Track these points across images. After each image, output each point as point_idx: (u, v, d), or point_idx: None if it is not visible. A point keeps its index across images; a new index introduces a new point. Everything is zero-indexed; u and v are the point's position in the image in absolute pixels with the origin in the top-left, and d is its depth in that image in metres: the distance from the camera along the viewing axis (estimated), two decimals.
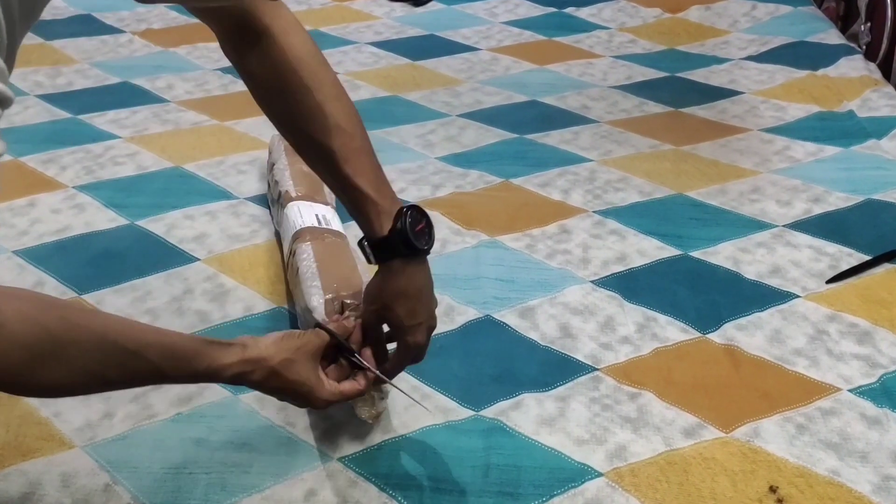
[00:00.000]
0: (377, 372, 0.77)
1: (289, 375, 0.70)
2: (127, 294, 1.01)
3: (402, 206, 0.76)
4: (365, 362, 0.77)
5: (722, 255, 1.12)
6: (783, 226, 1.19)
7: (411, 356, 0.79)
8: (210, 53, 1.81)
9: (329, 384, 0.73)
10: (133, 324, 0.66)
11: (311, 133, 0.75)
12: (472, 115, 1.55)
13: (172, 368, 0.65)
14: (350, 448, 0.80)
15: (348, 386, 0.74)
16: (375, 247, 0.76)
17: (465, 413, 0.85)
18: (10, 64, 0.54)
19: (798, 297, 1.03)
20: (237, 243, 1.12)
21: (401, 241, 0.75)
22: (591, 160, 1.39)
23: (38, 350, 0.58)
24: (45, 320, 0.59)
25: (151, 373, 0.64)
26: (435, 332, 0.95)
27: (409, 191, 1.27)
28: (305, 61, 0.75)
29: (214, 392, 0.86)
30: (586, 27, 2.04)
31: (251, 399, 0.86)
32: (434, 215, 1.19)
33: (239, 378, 0.68)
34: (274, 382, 0.70)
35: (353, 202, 0.76)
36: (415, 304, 0.77)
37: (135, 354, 0.62)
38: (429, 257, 1.09)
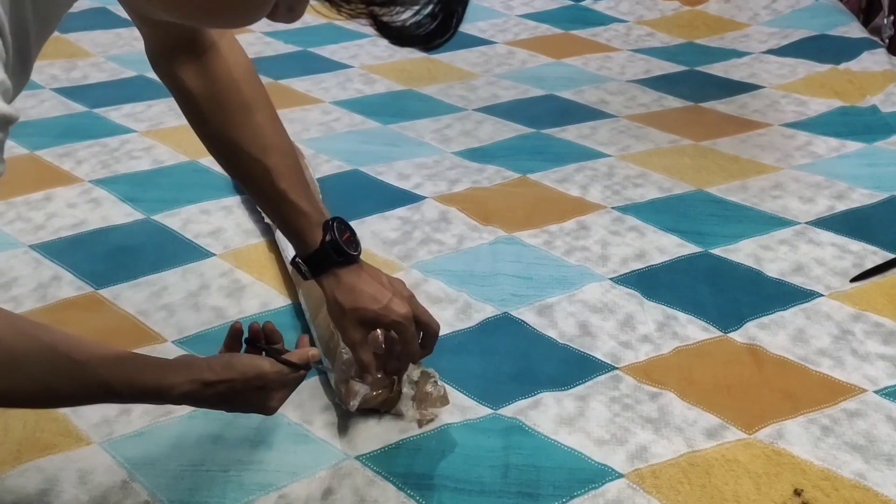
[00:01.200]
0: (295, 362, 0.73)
1: (235, 396, 0.69)
2: (143, 289, 1.01)
3: (328, 218, 0.78)
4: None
5: (743, 252, 1.11)
6: (806, 223, 1.17)
7: (410, 335, 0.78)
8: None
9: (276, 394, 0.72)
10: (84, 339, 0.65)
11: (248, 150, 0.75)
12: (488, 110, 1.53)
13: (120, 383, 0.63)
14: (367, 446, 0.79)
15: (294, 355, 0.72)
16: (310, 260, 0.78)
17: (483, 411, 0.84)
18: (25, 79, 0.53)
19: (822, 295, 1.02)
20: (253, 238, 1.12)
21: (333, 250, 0.77)
22: (609, 155, 1.37)
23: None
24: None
25: (101, 386, 0.63)
26: (452, 329, 0.96)
27: (425, 186, 1.26)
28: (247, 80, 0.76)
29: None
30: (603, 20, 2.02)
31: None
32: (451, 211, 1.20)
33: (186, 396, 0.67)
34: (222, 403, 0.69)
35: (286, 217, 0.78)
36: (372, 289, 0.77)
37: (84, 366, 0.62)
38: (447, 253, 1.10)
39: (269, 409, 0.72)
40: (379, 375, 0.79)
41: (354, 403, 0.79)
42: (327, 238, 0.77)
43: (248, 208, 1.18)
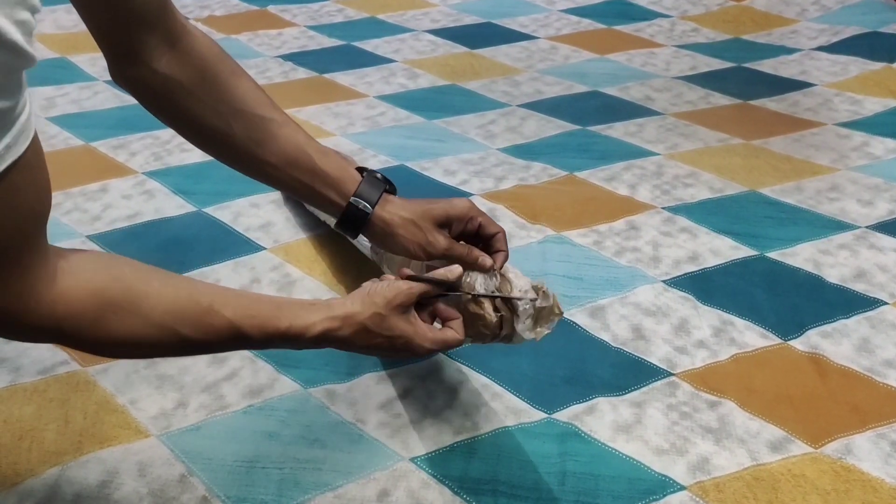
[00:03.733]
0: (498, 295, 0.71)
1: (381, 331, 0.64)
2: None
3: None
4: (478, 290, 0.70)
5: (801, 256, 1.08)
6: (866, 227, 1.14)
7: (485, 217, 0.76)
8: (271, 41, 1.81)
9: (430, 330, 0.67)
10: (207, 283, 0.63)
11: (254, 109, 0.71)
12: (532, 106, 1.51)
13: (252, 326, 0.60)
14: (421, 448, 0.78)
15: (450, 334, 0.68)
16: (363, 193, 0.73)
17: (537, 415, 0.83)
18: None
19: (886, 303, 0.99)
20: (302, 233, 1.11)
21: (380, 178, 0.74)
22: (657, 154, 1.34)
23: (110, 297, 0.55)
24: (117, 269, 0.57)
25: (229, 330, 0.59)
26: None
27: (471, 182, 1.25)
28: (223, 51, 0.72)
29: (285, 385, 0.85)
30: (647, 15, 1.99)
31: (321, 394, 0.85)
32: (498, 208, 1.19)
33: (325, 336, 0.62)
34: (365, 338, 0.64)
35: (318, 164, 0.72)
36: (425, 199, 0.74)
37: (210, 310, 0.58)
38: None
39: (419, 350, 0.66)
40: (492, 262, 0.73)
41: (523, 326, 0.72)
42: (365, 172, 0.74)
43: (295, 203, 1.18)
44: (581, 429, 0.81)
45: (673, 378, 0.87)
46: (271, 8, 1.99)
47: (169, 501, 0.72)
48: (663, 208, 1.19)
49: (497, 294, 0.73)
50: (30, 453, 0.76)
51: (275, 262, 1.05)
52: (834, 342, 0.92)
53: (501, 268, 0.75)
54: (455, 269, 0.70)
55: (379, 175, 0.76)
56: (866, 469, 0.76)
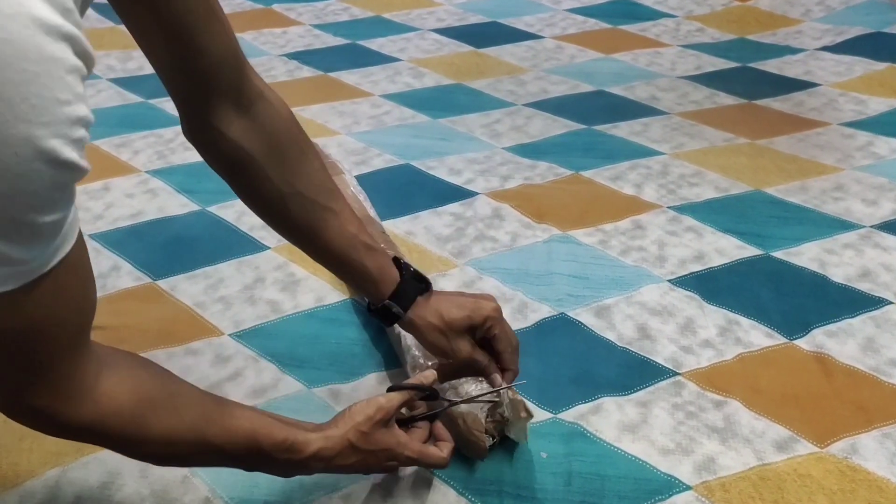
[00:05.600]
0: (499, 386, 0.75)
1: (365, 446, 0.67)
2: (200, 281, 1.01)
3: (392, 255, 0.78)
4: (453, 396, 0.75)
5: (806, 256, 1.07)
6: (871, 226, 1.14)
7: (506, 327, 0.78)
8: (276, 39, 1.81)
9: (413, 441, 0.70)
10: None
11: (314, 197, 0.71)
12: (538, 105, 1.51)
13: (263, 435, 0.63)
14: None
15: (433, 451, 0.71)
16: (398, 295, 0.76)
17: (543, 415, 0.82)
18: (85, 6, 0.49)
19: (891, 303, 0.98)
20: None
21: (415, 278, 0.76)
22: (662, 153, 1.34)
23: (148, 392, 0.58)
24: (150, 366, 0.60)
25: (246, 435, 0.62)
26: None
27: (477, 181, 1.25)
28: (296, 125, 0.72)
29: (289, 385, 0.85)
30: (652, 15, 1.99)
31: (325, 394, 0.84)
32: (504, 207, 1.19)
33: (318, 455, 0.65)
34: (350, 456, 0.67)
35: (361, 260, 0.74)
36: (456, 300, 0.77)
37: (231, 414, 0.62)
38: (501, 250, 1.09)
39: (403, 460, 0.69)
40: (501, 381, 0.76)
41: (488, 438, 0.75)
42: (404, 268, 0.76)
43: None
44: (587, 428, 0.81)
45: (679, 378, 0.87)
46: (276, 6, 1.99)
47: (171, 503, 0.72)
48: (669, 208, 1.18)
49: (459, 400, 0.75)
50: (31, 454, 0.76)
51: (279, 262, 1.05)
52: (839, 342, 0.92)
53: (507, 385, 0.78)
54: (429, 375, 0.73)
55: (414, 271, 0.77)
56: (872, 469, 0.76)
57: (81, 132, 0.44)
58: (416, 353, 0.83)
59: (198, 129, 0.68)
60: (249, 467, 0.66)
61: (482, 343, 0.78)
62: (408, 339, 0.83)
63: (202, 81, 0.65)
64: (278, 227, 0.75)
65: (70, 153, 0.43)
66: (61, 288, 0.49)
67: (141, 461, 0.64)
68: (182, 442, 0.60)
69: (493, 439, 0.76)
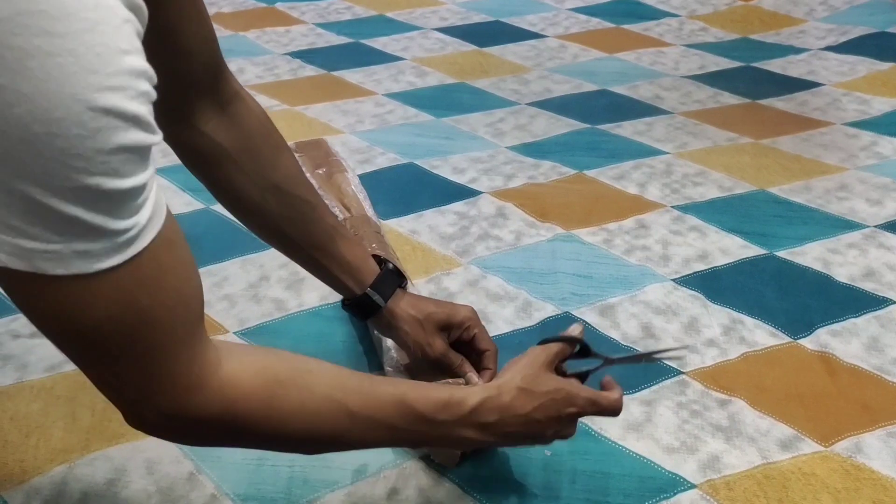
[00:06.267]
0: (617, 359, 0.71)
1: (538, 387, 0.62)
2: (204, 279, 0.98)
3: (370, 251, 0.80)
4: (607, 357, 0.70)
5: (810, 255, 1.07)
6: (875, 226, 1.14)
7: (482, 330, 0.79)
8: (279, 38, 1.81)
9: (581, 386, 0.66)
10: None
11: (290, 189, 0.72)
12: (541, 104, 1.51)
13: (417, 396, 0.58)
14: None
15: (605, 393, 0.66)
16: (379, 284, 0.77)
17: None
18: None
19: (895, 303, 0.98)
20: None
21: (394, 272, 0.78)
22: (666, 153, 1.34)
23: (275, 374, 0.54)
24: (274, 351, 0.58)
25: (394, 400, 0.57)
26: (513, 327, 0.94)
27: (480, 181, 1.25)
28: (270, 123, 0.73)
29: None
30: (655, 14, 1.99)
31: None
32: (508, 206, 1.19)
33: (484, 405, 0.60)
34: (526, 401, 0.61)
35: (341, 251, 0.75)
36: (433, 300, 0.79)
37: (373, 381, 0.59)
38: (505, 249, 1.09)
39: (580, 400, 0.63)
40: (476, 380, 0.76)
41: None
42: (384, 262, 0.78)
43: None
44: (591, 427, 0.81)
45: (683, 376, 0.87)
46: (279, 5, 1.99)
47: (177, 500, 0.72)
48: (673, 207, 1.18)
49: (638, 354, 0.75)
50: (37, 450, 0.76)
51: (283, 260, 1.03)
52: (843, 341, 0.92)
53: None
54: (577, 328, 0.70)
55: (392, 267, 0.79)
56: (876, 468, 0.76)
57: (147, 86, 0.42)
58: (395, 354, 0.83)
59: (174, 127, 0.68)
60: (404, 440, 0.61)
61: (456, 346, 0.79)
62: (387, 340, 0.83)
63: (183, 82, 0.65)
64: (254, 222, 0.75)
65: (139, 107, 0.41)
66: (164, 269, 0.47)
67: (286, 452, 0.59)
68: (321, 418, 0.55)
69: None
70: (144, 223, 0.45)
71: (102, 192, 0.41)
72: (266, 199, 0.72)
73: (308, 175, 0.89)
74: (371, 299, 0.76)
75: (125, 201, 0.43)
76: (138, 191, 0.44)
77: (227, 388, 0.52)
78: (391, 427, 0.58)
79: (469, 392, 0.61)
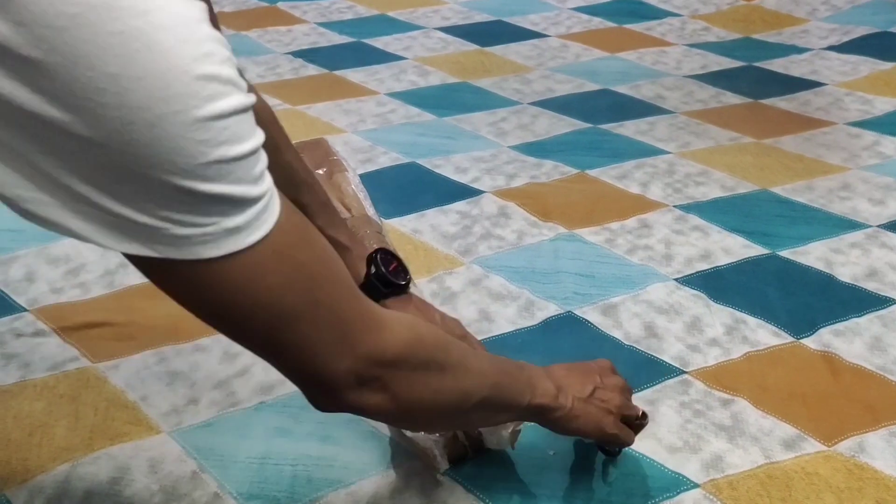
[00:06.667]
0: None
1: (594, 363, 0.71)
2: None
3: (371, 250, 0.78)
4: None
5: (813, 255, 1.07)
6: (877, 226, 1.14)
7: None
8: (281, 37, 1.81)
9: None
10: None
11: (282, 188, 0.73)
12: (543, 104, 1.51)
13: (515, 369, 0.65)
14: None
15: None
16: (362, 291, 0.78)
17: None
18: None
19: None
20: None
21: (380, 282, 0.76)
22: (668, 152, 1.34)
23: (425, 326, 0.58)
24: (420, 321, 0.62)
25: (491, 356, 0.64)
26: (516, 327, 0.94)
27: (483, 180, 1.25)
28: (272, 122, 0.74)
29: None
30: (657, 14, 1.99)
31: None
32: (510, 206, 1.19)
33: (546, 369, 0.67)
34: (573, 365, 0.69)
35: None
36: (427, 315, 0.76)
37: (489, 357, 0.65)
38: (507, 248, 1.08)
39: (623, 393, 0.71)
40: None
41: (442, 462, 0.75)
42: (372, 271, 0.76)
43: None
44: None
45: (686, 376, 0.87)
46: (281, 5, 1.99)
47: (181, 498, 0.72)
48: (675, 206, 1.18)
49: None
50: (40, 449, 0.76)
51: None
52: (846, 340, 0.92)
53: None
54: None
55: (383, 273, 0.77)
56: (880, 467, 0.76)
57: (228, 51, 0.43)
58: None
59: None
60: (505, 399, 0.63)
61: None
62: None
63: None
64: None
65: (230, 70, 0.42)
66: (300, 227, 0.48)
67: (456, 397, 0.59)
68: (468, 366, 0.59)
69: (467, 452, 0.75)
70: (273, 186, 0.46)
71: (230, 159, 0.42)
72: None
73: None
74: None
75: (252, 165, 0.44)
76: (258, 153, 0.44)
77: (399, 330, 0.53)
78: (500, 378, 0.62)
79: (542, 374, 0.67)
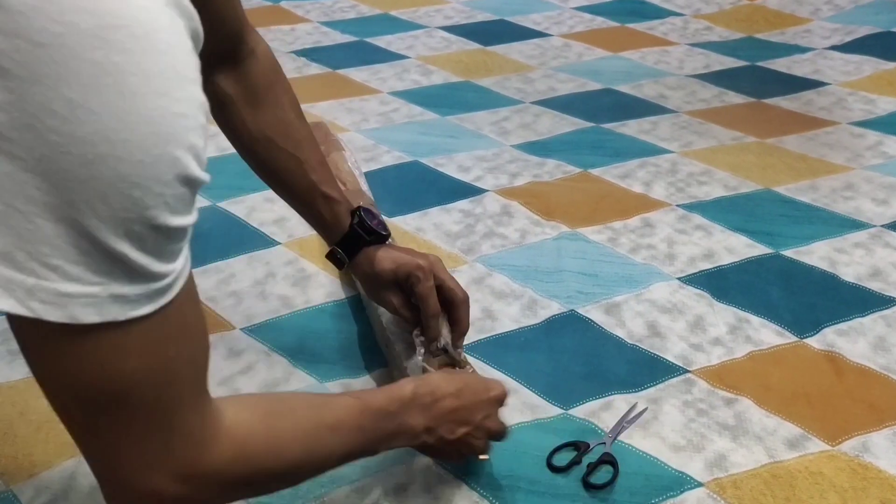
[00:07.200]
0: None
1: (459, 374, 0.72)
2: (211, 276, 1.01)
3: (355, 205, 0.84)
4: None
5: (816, 254, 1.07)
6: (881, 226, 1.14)
7: (425, 287, 0.80)
8: (284, 36, 1.81)
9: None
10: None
11: (282, 145, 0.79)
12: (546, 103, 1.51)
13: (366, 395, 0.63)
14: None
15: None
16: (343, 243, 0.83)
17: (553, 411, 0.83)
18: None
19: None
20: None
21: (362, 230, 0.82)
22: (671, 151, 1.34)
23: (265, 408, 0.55)
24: (252, 395, 0.64)
25: (354, 403, 0.60)
26: (519, 325, 0.94)
27: (485, 179, 1.25)
28: (278, 81, 0.80)
29: (300, 379, 0.85)
30: (660, 13, 1.99)
31: (337, 388, 0.85)
32: (513, 205, 1.19)
33: (418, 389, 0.65)
34: (449, 379, 0.68)
35: (318, 206, 0.82)
36: (395, 254, 0.82)
37: (331, 395, 0.66)
38: (510, 247, 1.09)
39: (501, 393, 0.71)
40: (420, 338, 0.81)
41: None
42: (355, 220, 0.82)
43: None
44: (598, 425, 0.81)
45: (689, 375, 0.87)
46: (284, 4, 1.99)
47: None
48: (678, 206, 1.18)
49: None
50: (46, 445, 0.76)
51: (290, 257, 1.06)
52: (850, 340, 0.92)
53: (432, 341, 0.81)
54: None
55: (369, 225, 0.83)
56: (883, 467, 0.76)
57: (204, 119, 0.41)
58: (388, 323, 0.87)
59: None
60: (374, 440, 0.62)
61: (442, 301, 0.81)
62: (379, 309, 0.88)
63: (210, 42, 0.68)
64: (254, 168, 0.82)
65: (197, 139, 0.40)
66: (187, 320, 0.46)
67: (290, 486, 0.60)
68: (311, 438, 0.57)
69: None
70: (179, 271, 0.44)
71: (154, 226, 0.40)
72: (256, 148, 0.79)
73: None
74: (335, 257, 0.84)
75: (171, 242, 0.42)
76: (183, 233, 0.43)
77: (234, 430, 0.51)
78: (361, 429, 0.60)
79: (404, 381, 0.67)
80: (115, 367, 0.43)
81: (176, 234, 0.42)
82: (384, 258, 0.82)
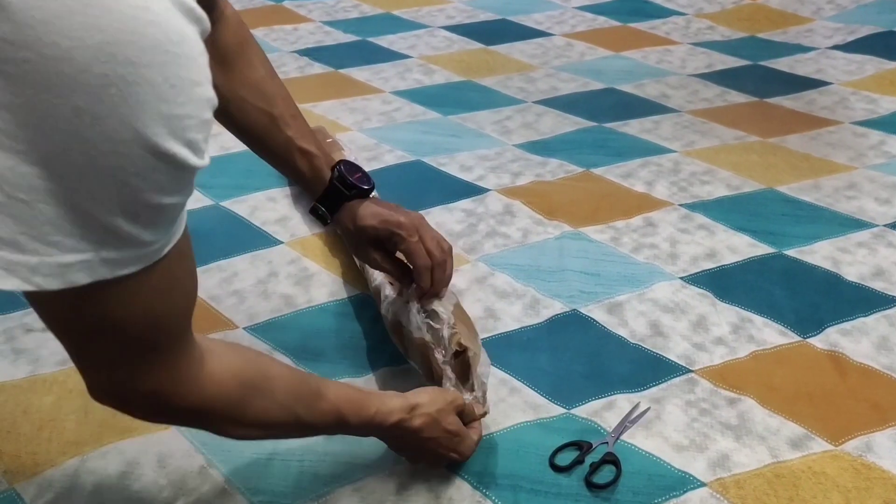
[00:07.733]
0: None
1: (445, 425, 0.71)
2: (214, 275, 1.01)
3: (336, 160, 0.83)
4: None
5: (819, 254, 1.07)
6: (884, 225, 1.14)
7: (411, 244, 0.80)
8: (286, 36, 1.81)
9: (470, 436, 0.74)
10: (306, 373, 0.69)
11: (255, 102, 0.79)
12: (548, 102, 1.51)
13: (349, 411, 0.66)
14: None
15: (475, 434, 0.76)
16: (324, 199, 0.82)
17: (556, 410, 0.83)
18: None
19: None
20: (318, 227, 1.11)
21: (342, 184, 0.82)
22: (673, 151, 1.34)
23: (248, 378, 0.59)
24: (246, 353, 0.63)
25: (333, 413, 0.65)
26: (521, 324, 0.94)
27: (488, 178, 1.25)
28: (248, 41, 0.80)
29: None
30: (662, 13, 1.99)
31: None
32: (515, 204, 1.19)
33: (400, 425, 0.69)
34: (431, 430, 0.70)
35: (296, 162, 0.81)
36: (377, 209, 0.81)
37: (318, 393, 0.64)
38: (512, 246, 1.08)
39: (467, 451, 0.73)
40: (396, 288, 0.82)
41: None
42: (335, 175, 0.82)
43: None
44: (601, 425, 0.81)
45: (692, 375, 0.87)
46: (287, 3, 1.99)
47: (189, 492, 0.72)
48: (680, 205, 1.18)
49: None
50: (50, 443, 0.76)
51: (292, 256, 1.06)
52: (853, 340, 0.92)
53: (423, 297, 0.82)
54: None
55: (350, 181, 0.82)
56: (887, 467, 0.76)
57: (209, 114, 0.44)
58: (389, 292, 0.87)
59: None
60: (335, 434, 0.68)
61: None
62: (375, 273, 0.89)
63: None
64: (230, 128, 0.81)
65: (196, 134, 0.43)
66: (174, 274, 0.49)
67: (231, 439, 0.63)
68: (275, 424, 0.62)
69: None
70: (171, 236, 0.47)
71: (146, 204, 0.43)
72: (230, 109, 0.79)
73: None
74: (317, 213, 0.83)
75: (163, 216, 0.45)
76: (177, 208, 0.46)
77: (207, 385, 0.56)
78: (328, 431, 0.67)
79: (391, 410, 0.68)
80: (102, 316, 0.47)
81: (169, 209, 0.45)
82: (366, 214, 0.82)
